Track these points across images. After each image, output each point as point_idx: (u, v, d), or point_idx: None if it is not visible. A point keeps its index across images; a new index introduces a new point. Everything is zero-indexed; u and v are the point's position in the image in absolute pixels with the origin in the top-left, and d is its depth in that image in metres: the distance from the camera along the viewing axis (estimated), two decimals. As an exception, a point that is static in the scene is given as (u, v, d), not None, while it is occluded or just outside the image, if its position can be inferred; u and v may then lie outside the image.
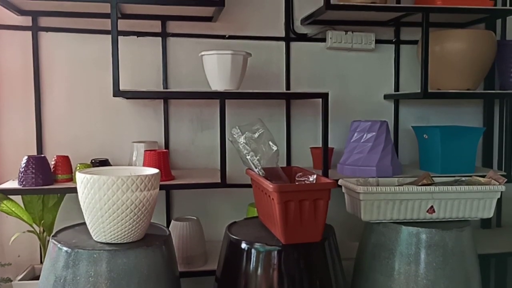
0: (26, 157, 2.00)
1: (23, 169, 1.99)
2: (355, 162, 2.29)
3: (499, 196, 1.92)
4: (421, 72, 2.26)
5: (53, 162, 2.08)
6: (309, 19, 2.42)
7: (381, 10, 2.26)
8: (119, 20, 2.04)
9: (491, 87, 2.66)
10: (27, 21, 2.28)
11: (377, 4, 2.25)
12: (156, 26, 2.39)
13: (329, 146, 2.23)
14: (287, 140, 2.54)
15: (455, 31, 2.38)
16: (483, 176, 2.00)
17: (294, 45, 2.52)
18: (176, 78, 2.42)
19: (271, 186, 1.58)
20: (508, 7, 2.61)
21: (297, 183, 1.78)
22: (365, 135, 2.31)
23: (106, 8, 2.04)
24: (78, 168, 2.02)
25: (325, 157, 2.18)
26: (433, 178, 1.99)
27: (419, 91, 2.28)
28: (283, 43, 2.50)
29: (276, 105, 2.52)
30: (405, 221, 1.87)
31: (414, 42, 2.59)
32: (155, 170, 1.67)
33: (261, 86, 2.44)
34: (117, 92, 2.02)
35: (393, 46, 2.61)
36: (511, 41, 2.55)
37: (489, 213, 1.93)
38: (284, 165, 2.50)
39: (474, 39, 2.34)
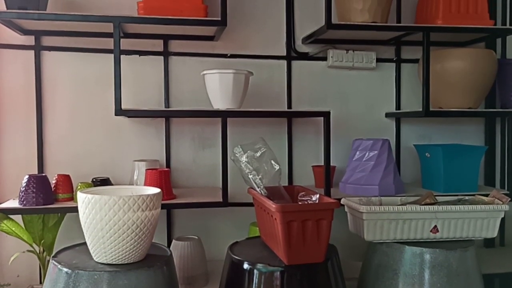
0: (27, 176, 1.99)
1: (24, 188, 1.98)
2: (357, 181, 2.28)
3: (503, 216, 1.90)
4: (422, 91, 2.27)
5: (54, 181, 2.07)
6: (311, 38, 2.43)
7: (382, 29, 2.28)
8: (121, 39, 2.06)
9: (492, 105, 2.67)
10: (30, 40, 2.29)
11: (378, 23, 2.27)
12: (158, 45, 2.40)
13: (331, 164, 2.22)
14: (289, 158, 2.53)
15: (455, 50, 2.39)
16: (486, 195, 1.98)
17: (295, 63, 2.53)
18: (177, 97, 2.43)
19: (273, 206, 1.57)
20: (508, 26, 2.63)
21: (300, 203, 1.77)
22: (367, 154, 2.30)
23: (108, 27, 2.05)
24: (79, 187, 2.01)
25: (327, 176, 2.17)
26: (436, 197, 1.98)
27: (420, 109, 2.29)
28: (284, 62, 2.52)
29: (278, 123, 2.52)
30: (408, 241, 1.85)
31: (415, 61, 2.60)
32: (156, 190, 1.66)
33: (263, 105, 2.44)
34: (119, 111, 2.02)
35: (394, 64, 2.63)
36: (512, 60, 2.57)
37: (493, 233, 1.91)
38: (286, 183, 2.50)
39: (475, 58, 2.34)
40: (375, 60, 2.57)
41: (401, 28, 2.35)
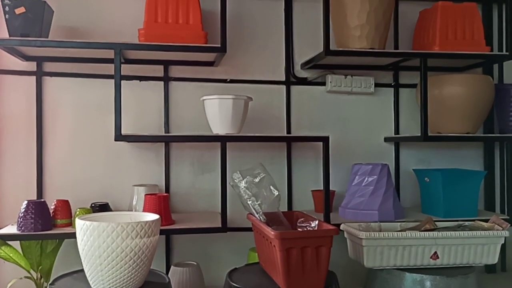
0: (25, 202, 1.99)
1: (22, 214, 1.97)
2: (356, 206, 2.28)
3: (503, 242, 1.90)
4: (420, 116, 2.28)
5: (52, 207, 2.06)
6: (309, 64, 2.46)
7: (379, 55, 2.31)
8: (122, 65, 2.08)
9: (491, 130, 2.68)
10: (31, 66, 2.31)
11: (376, 50, 2.30)
12: (158, 70, 2.43)
13: (331, 189, 2.22)
14: (288, 182, 2.53)
15: (453, 76, 2.42)
16: (486, 221, 1.98)
17: (294, 88, 2.55)
18: (177, 122, 2.44)
19: (272, 233, 1.56)
20: (504, 52, 2.65)
21: (299, 230, 1.76)
22: (366, 179, 2.30)
23: (109, 54, 2.08)
24: (77, 213, 2.00)
25: (326, 201, 2.16)
26: (435, 222, 1.97)
27: (419, 134, 2.30)
28: (283, 87, 2.54)
29: (277, 148, 2.52)
30: (408, 267, 1.84)
31: (413, 86, 2.63)
32: (155, 216, 1.66)
33: (262, 129, 2.45)
34: (119, 137, 2.03)
35: (392, 89, 2.64)
36: (509, 85, 2.59)
37: (494, 259, 1.90)
38: (285, 207, 2.49)
39: (473, 84, 2.36)
40: (373, 85, 2.59)
41: (399, 54, 2.37)
